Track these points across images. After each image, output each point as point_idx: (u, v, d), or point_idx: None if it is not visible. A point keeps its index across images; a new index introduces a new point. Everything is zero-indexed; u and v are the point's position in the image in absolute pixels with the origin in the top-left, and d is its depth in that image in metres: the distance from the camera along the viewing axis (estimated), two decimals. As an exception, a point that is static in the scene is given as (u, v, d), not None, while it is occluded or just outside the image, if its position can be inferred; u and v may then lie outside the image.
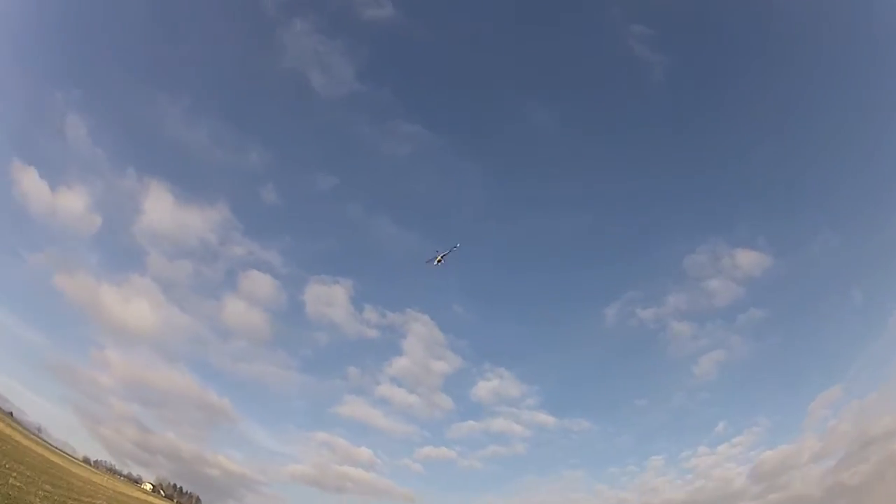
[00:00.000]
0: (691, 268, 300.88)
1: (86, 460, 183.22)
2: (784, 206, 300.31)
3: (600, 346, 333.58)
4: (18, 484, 32.28)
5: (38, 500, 30.34)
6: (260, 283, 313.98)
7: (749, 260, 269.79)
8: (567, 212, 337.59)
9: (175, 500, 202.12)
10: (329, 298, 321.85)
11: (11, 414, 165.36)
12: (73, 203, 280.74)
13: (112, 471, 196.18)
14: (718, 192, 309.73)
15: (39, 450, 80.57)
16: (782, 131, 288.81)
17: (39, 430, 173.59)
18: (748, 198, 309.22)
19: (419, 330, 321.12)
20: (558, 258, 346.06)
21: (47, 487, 42.23)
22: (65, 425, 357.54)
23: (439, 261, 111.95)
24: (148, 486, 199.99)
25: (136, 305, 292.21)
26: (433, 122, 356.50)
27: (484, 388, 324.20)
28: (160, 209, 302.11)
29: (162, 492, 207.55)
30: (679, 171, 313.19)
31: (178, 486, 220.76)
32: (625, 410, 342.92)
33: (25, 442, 76.70)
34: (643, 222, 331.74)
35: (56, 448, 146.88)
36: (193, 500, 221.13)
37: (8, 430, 73.89)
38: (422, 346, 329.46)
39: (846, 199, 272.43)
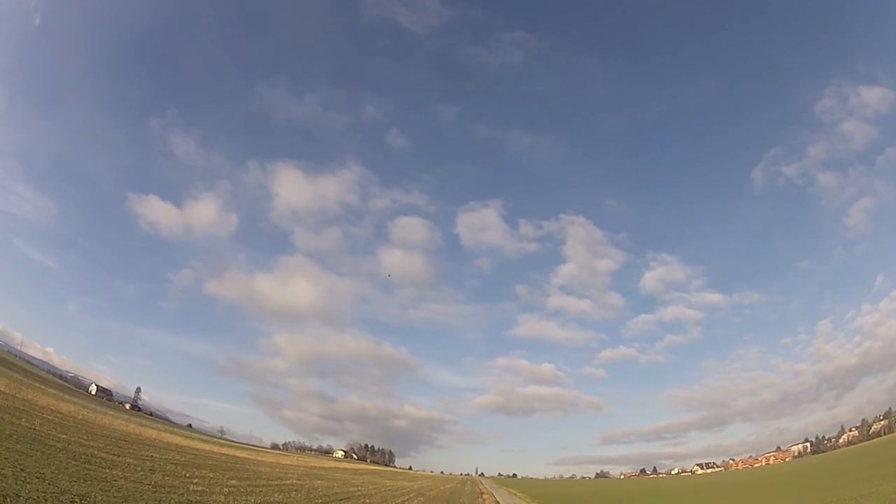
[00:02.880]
0: (823, 113, 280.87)
1: (274, 446, 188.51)
2: (891, 33, 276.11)
3: (754, 211, 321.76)
4: (200, 488, 26.39)
5: (223, 497, 24.66)
6: (411, 228, 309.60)
7: (874, 96, 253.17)
8: (691, 82, 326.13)
9: (368, 460, 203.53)
10: (482, 223, 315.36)
11: (190, 426, 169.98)
12: (204, 212, 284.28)
13: (302, 448, 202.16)
14: (830, 29, 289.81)
15: (223, 450, 78.50)
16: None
17: (222, 431, 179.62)
18: (859, 31, 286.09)
19: (577, 232, 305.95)
20: (695, 130, 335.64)
21: (233, 483, 36.60)
22: (249, 419, 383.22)
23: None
24: (339, 454, 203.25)
25: (293, 285, 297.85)
26: (533, 24, 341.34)
27: (651, 278, 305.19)
28: (292, 188, 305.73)
29: (354, 455, 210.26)
30: (793, 15, 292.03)
31: (370, 446, 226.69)
32: (789, 275, 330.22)
33: (206, 447, 74.27)
34: (767, 75, 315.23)
35: (241, 444, 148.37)
36: (386, 455, 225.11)
37: (186, 442, 71.20)
38: (583, 248, 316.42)
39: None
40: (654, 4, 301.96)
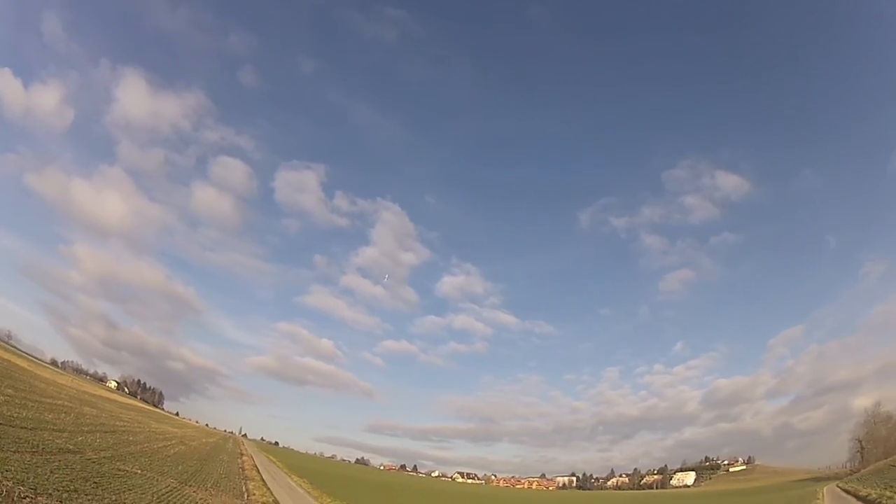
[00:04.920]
0: (669, 181, 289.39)
1: (53, 362, 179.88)
2: (771, 136, 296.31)
3: (571, 250, 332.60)
4: (-22, 391, 32.01)
5: (-3, 405, 30.42)
6: (231, 169, 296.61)
7: (729, 183, 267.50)
8: (552, 113, 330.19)
9: (138, 397, 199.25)
10: (300, 184, 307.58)
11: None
12: (47, 99, 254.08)
13: (78, 370, 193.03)
14: (707, 110, 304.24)
15: (6, 355, 78.51)
16: (780, 63, 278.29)
17: (9, 336, 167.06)
18: (736, 121, 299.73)
19: (389, 219, 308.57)
20: (538, 158, 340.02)
21: (9, 391, 41.53)
22: (35, 328, 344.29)
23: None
24: (112, 384, 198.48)
25: (106, 197, 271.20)
26: (420, 8, 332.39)
27: (449, 284, 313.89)
28: (133, 97, 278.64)
29: (126, 389, 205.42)
30: (670, 84, 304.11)
31: (143, 383, 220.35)
32: (588, 318, 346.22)
33: (-12, 348, 75.08)
34: (628, 131, 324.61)
35: (24, 353, 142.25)
36: (156, 396, 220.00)
37: (-31, 337, 71.93)
38: (391, 235, 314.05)
39: (834, 142, 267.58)
40: (542, 28, 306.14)
